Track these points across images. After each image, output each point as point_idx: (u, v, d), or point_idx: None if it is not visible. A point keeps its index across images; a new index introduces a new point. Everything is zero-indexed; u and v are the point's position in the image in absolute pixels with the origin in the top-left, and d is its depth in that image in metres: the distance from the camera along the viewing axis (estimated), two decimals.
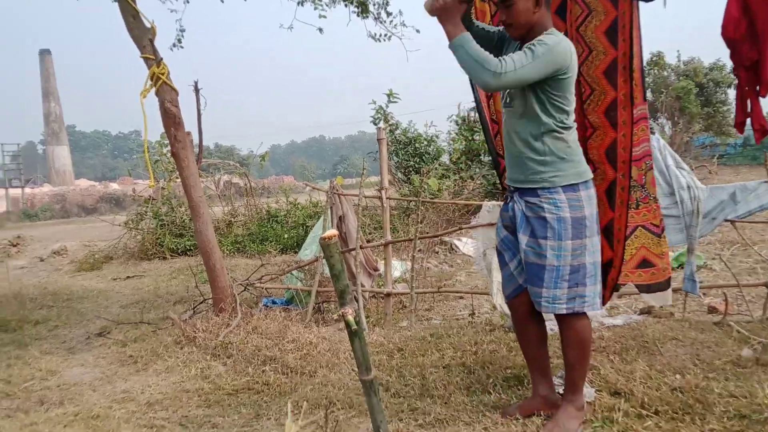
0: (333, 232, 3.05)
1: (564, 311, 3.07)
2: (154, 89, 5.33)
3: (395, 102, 13.87)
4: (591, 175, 3.14)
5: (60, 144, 62.38)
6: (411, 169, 13.66)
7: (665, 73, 22.66)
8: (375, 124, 14.07)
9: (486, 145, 3.72)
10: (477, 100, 3.85)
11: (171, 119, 5.39)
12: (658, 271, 3.67)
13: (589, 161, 3.28)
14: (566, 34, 3.36)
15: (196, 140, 6.35)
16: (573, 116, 3.07)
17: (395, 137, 14.04)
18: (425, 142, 14.11)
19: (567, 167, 3.04)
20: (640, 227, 3.55)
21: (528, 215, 3.08)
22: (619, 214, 3.50)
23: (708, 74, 21.54)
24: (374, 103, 13.98)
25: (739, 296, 5.19)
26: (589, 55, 3.34)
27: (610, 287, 3.63)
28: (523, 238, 3.10)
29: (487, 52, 2.91)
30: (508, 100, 3.16)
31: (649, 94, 22.83)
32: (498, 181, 3.74)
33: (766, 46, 3.47)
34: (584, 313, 3.14)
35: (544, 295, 3.07)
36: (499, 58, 2.88)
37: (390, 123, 14.07)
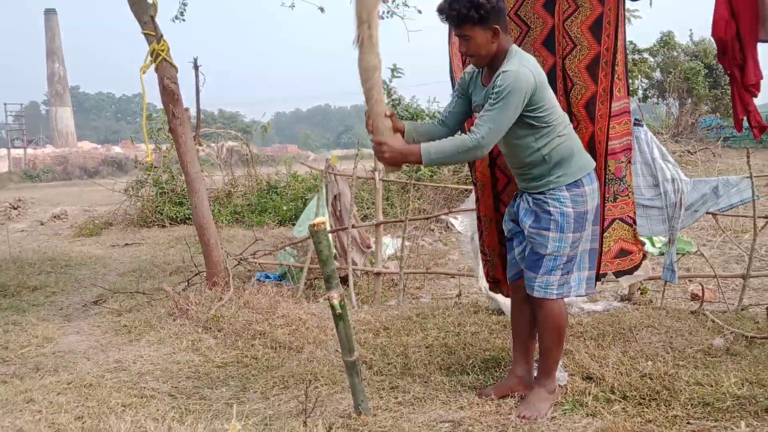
0: (322, 219, 3.21)
1: (554, 297, 3.23)
2: (153, 65, 5.41)
3: (399, 77, 13.84)
4: (593, 164, 3.29)
5: (63, 105, 62.38)
6: None
7: (675, 53, 22.50)
8: None
9: None
10: None
11: (169, 96, 5.48)
12: (635, 257, 3.78)
13: None
14: (554, 28, 3.44)
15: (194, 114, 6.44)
16: (558, 111, 3.18)
17: (397, 112, 14.02)
18: (427, 118, 14.13)
19: (571, 164, 3.19)
20: (617, 220, 3.63)
21: (534, 209, 3.23)
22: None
23: None
24: None
25: (723, 285, 5.29)
26: (573, 49, 3.41)
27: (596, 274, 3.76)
28: (526, 224, 3.25)
29: (452, 138, 3.13)
30: None
31: (657, 74, 22.72)
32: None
33: (748, 49, 3.55)
34: (563, 300, 3.29)
35: (538, 281, 3.23)
36: (471, 128, 3.04)
37: (393, 98, 14.08)
